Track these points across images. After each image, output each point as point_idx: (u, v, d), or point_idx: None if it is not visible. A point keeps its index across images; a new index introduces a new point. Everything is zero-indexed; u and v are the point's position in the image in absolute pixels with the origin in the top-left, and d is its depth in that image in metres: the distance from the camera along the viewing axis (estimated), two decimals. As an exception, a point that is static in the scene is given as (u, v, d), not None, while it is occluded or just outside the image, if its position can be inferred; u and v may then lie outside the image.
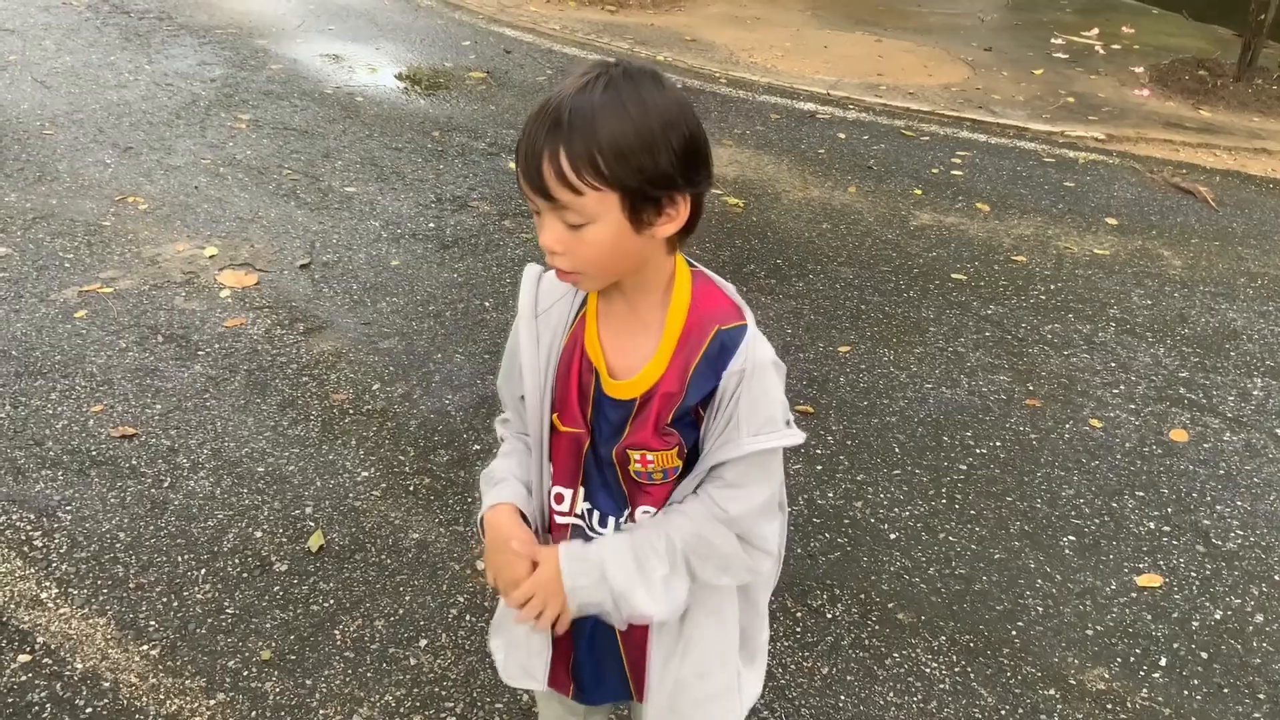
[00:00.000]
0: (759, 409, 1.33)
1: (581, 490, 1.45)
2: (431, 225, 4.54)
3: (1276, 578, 2.87)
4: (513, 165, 1.32)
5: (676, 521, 1.37)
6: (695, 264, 1.39)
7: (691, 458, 1.39)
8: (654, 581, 1.35)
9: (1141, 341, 4.01)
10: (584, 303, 1.40)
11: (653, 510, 1.42)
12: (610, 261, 1.27)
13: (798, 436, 1.35)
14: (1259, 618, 2.73)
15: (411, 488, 3.00)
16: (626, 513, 1.43)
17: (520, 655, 1.56)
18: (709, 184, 1.28)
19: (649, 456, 1.37)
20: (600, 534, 1.45)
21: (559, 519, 1.47)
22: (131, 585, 2.60)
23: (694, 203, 1.27)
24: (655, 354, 1.34)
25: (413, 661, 2.44)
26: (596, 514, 1.44)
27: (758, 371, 1.32)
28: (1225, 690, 2.51)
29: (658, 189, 1.22)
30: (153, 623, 2.50)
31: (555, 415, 1.42)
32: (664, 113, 1.21)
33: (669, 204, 1.24)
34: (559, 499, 1.46)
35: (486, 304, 3.92)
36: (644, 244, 1.27)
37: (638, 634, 1.48)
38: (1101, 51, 8.28)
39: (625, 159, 1.18)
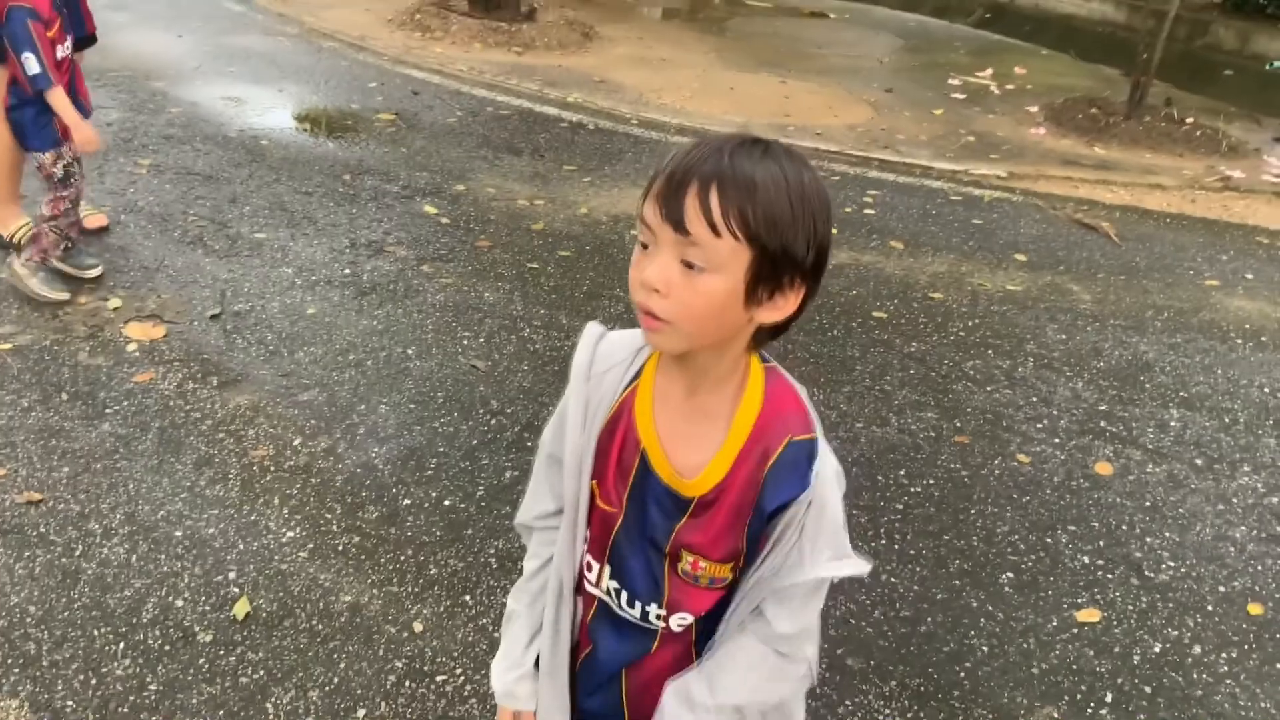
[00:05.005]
0: (825, 530, 1.27)
1: (608, 569, 1.37)
2: (347, 271, 4.43)
3: (1209, 608, 2.92)
4: (644, 197, 1.23)
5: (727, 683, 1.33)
6: (769, 359, 1.31)
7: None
8: None
9: (1060, 376, 4.08)
10: (637, 374, 1.32)
11: (690, 619, 1.35)
12: (707, 322, 1.17)
13: (863, 565, 1.29)
14: (1196, 649, 2.77)
15: (340, 547, 2.88)
16: (660, 610, 1.36)
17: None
18: (815, 293, 1.21)
19: (701, 563, 1.30)
20: (628, 614, 1.38)
21: (588, 587, 1.41)
22: (45, 663, 2.43)
23: (799, 304, 1.20)
24: (720, 450, 1.27)
25: (352, 733, 2.33)
26: (625, 594, 1.37)
27: (827, 490, 1.26)
28: (1171, 724, 2.54)
29: (786, 266, 1.16)
30: (70, 703, 2.34)
31: (595, 483, 1.36)
32: (817, 198, 1.17)
33: (786, 288, 1.17)
34: (589, 567, 1.40)
35: (409, 351, 3.82)
36: (741, 322, 1.19)
37: (649, 698, 1.41)
38: (997, 91, 8.53)
39: (775, 222, 1.13)
